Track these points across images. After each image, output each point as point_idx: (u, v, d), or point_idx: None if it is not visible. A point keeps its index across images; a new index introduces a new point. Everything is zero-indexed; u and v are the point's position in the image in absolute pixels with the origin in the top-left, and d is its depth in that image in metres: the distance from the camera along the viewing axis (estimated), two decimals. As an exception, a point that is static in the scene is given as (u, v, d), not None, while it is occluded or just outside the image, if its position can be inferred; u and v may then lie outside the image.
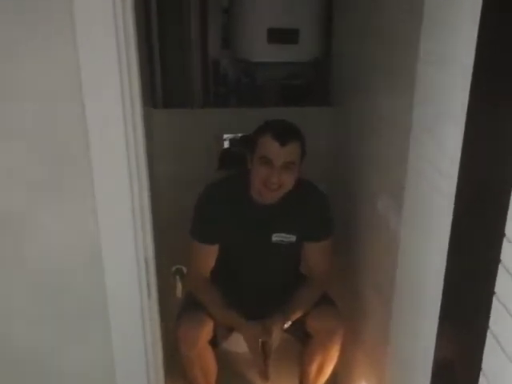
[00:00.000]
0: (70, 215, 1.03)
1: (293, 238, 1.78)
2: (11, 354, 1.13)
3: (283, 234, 1.78)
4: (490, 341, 0.70)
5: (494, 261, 0.67)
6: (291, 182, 1.66)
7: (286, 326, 1.71)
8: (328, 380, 1.90)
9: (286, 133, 1.63)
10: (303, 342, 1.85)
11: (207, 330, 1.72)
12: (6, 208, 1.01)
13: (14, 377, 1.15)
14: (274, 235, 1.78)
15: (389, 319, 1.35)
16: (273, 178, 1.62)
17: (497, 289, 0.69)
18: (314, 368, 1.84)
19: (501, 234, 0.66)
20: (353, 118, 2.01)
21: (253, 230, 1.76)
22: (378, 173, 1.64)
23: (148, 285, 1.14)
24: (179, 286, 2.22)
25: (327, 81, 2.37)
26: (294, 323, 1.75)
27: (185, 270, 2.14)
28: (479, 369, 0.72)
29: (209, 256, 1.80)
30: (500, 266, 0.67)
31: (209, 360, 1.79)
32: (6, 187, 1.00)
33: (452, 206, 0.84)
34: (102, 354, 1.14)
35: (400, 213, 1.23)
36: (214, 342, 1.81)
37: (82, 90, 0.94)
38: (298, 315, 1.73)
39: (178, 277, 2.21)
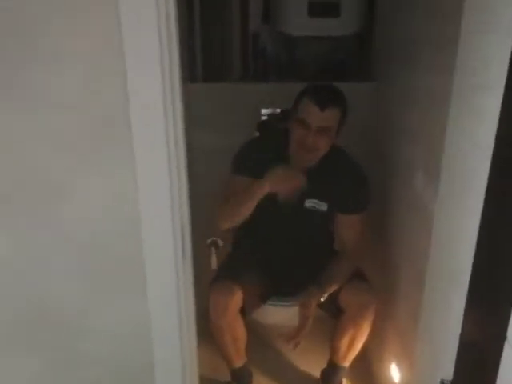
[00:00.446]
0: (111, 180, 1.07)
1: (324, 207, 1.79)
2: (49, 313, 1.19)
3: (316, 201, 1.79)
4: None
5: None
6: (326, 146, 1.68)
7: (322, 299, 1.72)
8: (358, 355, 1.92)
9: (326, 98, 1.65)
10: (335, 316, 1.86)
11: (237, 299, 1.75)
12: (52, 173, 1.06)
13: (51, 335, 1.21)
14: (307, 201, 1.79)
15: (421, 296, 1.34)
16: (308, 140, 1.65)
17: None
18: (344, 342, 1.86)
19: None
20: (393, 93, 1.98)
21: None
22: (416, 148, 1.61)
23: (183, 246, 1.17)
24: (214, 257, 2.26)
25: (368, 55, 2.33)
26: (327, 299, 1.76)
27: (220, 242, 2.18)
28: (504, 338, 0.71)
29: (241, 188, 1.76)
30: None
31: (238, 328, 1.83)
32: (50, 154, 1.05)
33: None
34: (137, 313, 1.19)
35: (436, 188, 1.21)
36: (243, 313, 1.84)
37: (125, 63, 0.97)
38: (333, 288, 1.74)
39: (213, 248, 2.25)
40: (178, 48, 1.05)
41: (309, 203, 1.79)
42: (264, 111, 2.38)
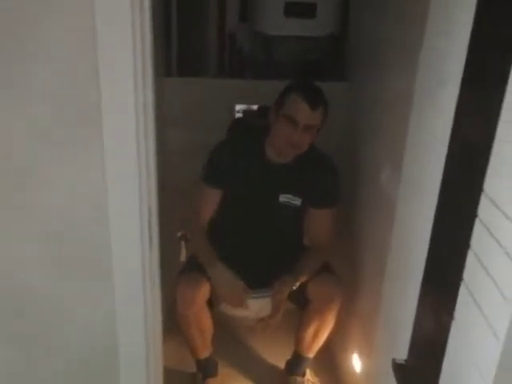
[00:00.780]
0: (79, 167, 1.07)
1: (298, 202, 1.82)
2: (20, 300, 1.18)
3: (290, 196, 1.82)
4: (462, 291, 0.75)
5: (471, 216, 0.71)
6: (308, 143, 1.72)
7: (294, 287, 1.76)
8: (323, 347, 1.96)
9: (316, 97, 1.67)
10: (302, 308, 1.89)
11: (204, 291, 1.77)
12: (19, 161, 1.06)
13: (22, 323, 1.21)
14: (282, 196, 1.82)
15: (381, 290, 1.39)
16: (294, 137, 1.67)
17: (472, 242, 0.73)
18: (310, 333, 1.89)
19: (479, 190, 0.69)
20: (365, 93, 2.03)
21: (261, 187, 1.80)
22: (383, 145, 1.67)
23: (150, 237, 1.19)
24: (183, 250, 2.27)
25: (342, 56, 2.38)
26: (297, 290, 1.79)
27: (190, 235, 2.19)
28: (451, 319, 0.76)
29: (210, 200, 1.84)
30: (476, 220, 0.71)
31: (205, 320, 1.84)
32: (20, 141, 1.05)
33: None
34: (104, 300, 1.19)
35: (399, 182, 1.27)
36: (211, 305, 1.86)
37: (98, 54, 0.98)
38: (303, 278, 1.78)
39: (183, 242, 2.26)
40: (151, 41, 1.07)
41: (283, 198, 1.82)
42: (238, 107, 2.41)
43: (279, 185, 1.81)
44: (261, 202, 1.82)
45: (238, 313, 1.90)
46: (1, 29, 0.96)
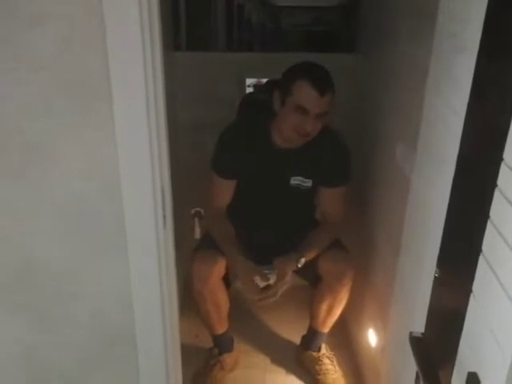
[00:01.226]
0: (90, 142, 1.07)
1: (309, 183, 1.81)
2: (34, 274, 1.20)
3: (300, 178, 1.80)
4: (481, 263, 0.73)
5: (490, 186, 0.69)
6: (318, 129, 1.67)
7: (299, 265, 1.75)
8: (337, 322, 1.97)
9: (324, 82, 1.60)
10: (314, 284, 1.90)
11: (219, 267, 1.78)
12: (32, 136, 1.06)
13: (36, 296, 1.22)
14: (293, 178, 1.80)
15: (396, 264, 1.38)
16: (307, 126, 1.62)
17: (491, 213, 0.71)
18: (323, 309, 1.90)
19: (499, 160, 0.67)
20: (377, 65, 1.99)
21: (272, 172, 1.78)
22: (397, 120, 1.63)
23: (164, 215, 1.19)
24: (197, 227, 2.28)
25: (353, 27, 2.33)
26: (306, 266, 1.79)
27: (203, 212, 2.19)
28: (470, 291, 0.75)
29: (226, 190, 1.83)
30: (496, 190, 0.69)
31: (221, 296, 1.86)
32: (30, 116, 1.04)
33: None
34: (119, 276, 1.20)
35: (414, 157, 1.24)
36: (227, 282, 1.88)
37: (105, 26, 0.96)
38: (310, 255, 1.77)
39: (196, 219, 2.27)
40: (159, 14, 1.05)
41: (294, 181, 1.80)
42: (249, 81, 2.38)
43: (289, 168, 1.79)
44: (272, 186, 1.81)
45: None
46: None
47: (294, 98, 1.60)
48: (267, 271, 1.82)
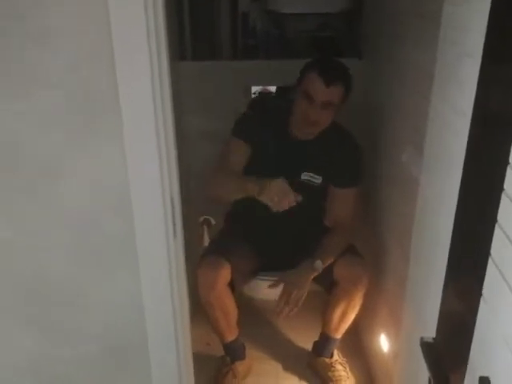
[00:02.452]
0: (101, 157, 1.08)
1: (319, 180, 1.82)
2: (46, 289, 1.21)
3: (312, 174, 1.81)
4: (490, 266, 0.74)
5: (497, 189, 0.70)
6: (328, 121, 1.72)
7: (319, 270, 1.76)
8: (350, 328, 1.97)
9: (333, 74, 1.67)
10: (329, 290, 1.90)
11: (225, 273, 1.78)
12: (42, 152, 1.07)
13: (48, 311, 1.23)
14: (304, 174, 1.82)
15: (407, 266, 1.38)
16: (311, 113, 1.68)
17: (499, 217, 0.71)
18: (337, 315, 1.89)
19: (505, 163, 0.67)
20: (381, 70, 1.99)
21: (284, 164, 1.79)
22: (404, 123, 1.64)
23: (174, 225, 1.19)
24: (206, 235, 2.29)
25: (357, 32, 2.33)
26: (322, 272, 1.79)
27: (212, 220, 2.20)
28: (480, 295, 0.75)
29: (239, 152, 1.80)
30: (503, 194, 0.69)
31: (228, 302, 1.86)
32: (41, 132, 1.06)
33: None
34: (130, 289, 1.20)
35: (422, 159, 1.24)
36: (233, 288, 1.87)
37: (113, 40, 0.97)
38: (328, 261, 1.78)
39: (205, 227, 2.28)
40: (165, 25, 1.06)
41: (305, 176, 1.82)
42: (254, 89, 2.39)
43: (301, 162, 1.81)
44: (283, 177, 1.80)
45: (260, 294, 1.91)
46: (10, 13, 0.95)
47: (303, 85, 1.69)
48: (275, 278, 1.82)
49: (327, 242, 1.82)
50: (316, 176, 1.81)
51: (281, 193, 1.60)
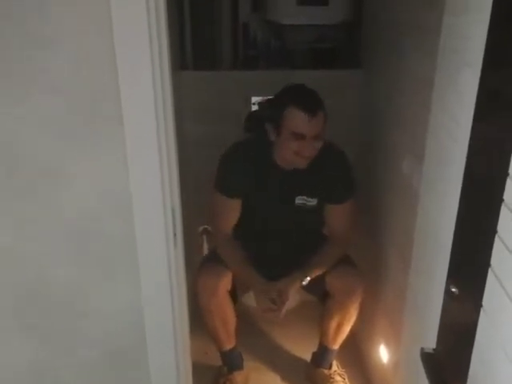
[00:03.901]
0: (102, 163, 1.08)
1: (314, 202, 1.81)
2: (47, 294, 1.20)
3: (305, 197, 1.80)
4: (490, 277, 0.73)
5: (497, 200, 0.70)
6: (320, 146, 1.67)
7: (304, 283, 1.76)
8: (349, 338, 1.96)
9: (311, 101, 1.61)
10: (323, 300, 1.89)
11: (226, 281, 1.78)
12: (44, 157, 1.08)
13: (48, 316, 1.23)
14: (297, 198, 1.80)
15: (407, 279, 1.37)
16: (305, 150, 1.64)
17: (499, 228, 0.71)
18: (332, 326, 1.89)
19: (505, 175, 0.68)
20: (381, 80, 2.00)
21: (276, 192, 1.79)
22: (403, 133, 1.64)
23: (175, 234, 1.19)
24: (205, 245, 2.29)
25: (357, 43, 2.35)
26: (314, 282, 1.79)
27: (211, 229, 2.20)
28: (480, 305, 0.75)
29: (231, 211, 1.82)
30: (502, 205, 0.69)
31: (228, 310, 1.85)
32: (43, 137, 1.06)
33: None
34: (129, 297, 1.20)
35: (422, 170, 1.24)
36: (234, 297, 1.87)
37: (115, 47, 0.98)
38: (316, 272, 1.77)
39: (204, 236, 2.28)
40: (167, 34, 1.07)
41: (299, 200, 1.81)
42: (254, 99, 2.40)
43: (293, 188, 1.79)
44: (277, 206, 1.82)
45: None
46: (10, 13, 0.95)
47: (288, 125, 1.62)
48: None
49: (318, 254, 1.81)
50: (310, 199, 1.80)
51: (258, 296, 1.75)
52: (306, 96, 1.63)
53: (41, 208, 1.11)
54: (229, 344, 1.96)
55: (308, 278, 1.75)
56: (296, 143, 1.63)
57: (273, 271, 1.82)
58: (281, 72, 2.33)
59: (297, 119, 1.60)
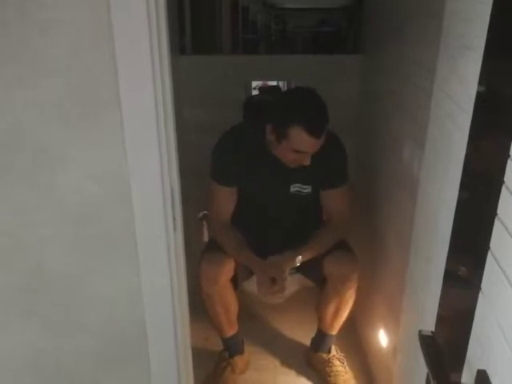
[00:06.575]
0: (101, 147, 1.08)
1: (309, 189, 1.81)
2: (47, 280, 1.21)
3: (299, 185, 1.81)
4: (489, 260, 0.74)
5: (498, 183, 0.70)
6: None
7: (298, 263, 1.77)
8: (346, 323, 1.97)
9: (319, 124, 1.59)
10: (320, 286, 1.90)
11: (228, 268, 1.79)
12: (43, 141, 1.07)
13: (48, 302, 1.23)
14: (292, 186, 1.81)
15: (406, 264, 1.38)
16: (304, 160, 1.65)
17: (499, 211, 0.72)
18: (329, 312, 1.90)
19: (505, 157, 0.67)
20: (381, 65, 1.99)
21: (270, 180, 1.79)
22: (404, 119, 1.63)
23: (174, 218, 1.19)
24: (205, 231, 2.29)
25: (357, 28, 2.33)
26: (311, 266, 1.80)
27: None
28: (479, 288, 0.75)
29: (227, 199, 1.83)
30: (503, 187, 0.69)
31: (230, 297, 1.87)
32: (42, 121, 1.05)
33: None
34: (129, 282, 1.20)
35: (422, 156, 1.24)
36: (235, 284, 1.88)
37: (113, 32, 0.97)
38: (310, 253, 1.77)
39: (204, 222, 2.28)
40: (166, 18, 1.06)
41: (293, 188, 1.81)
42: (254, 84, 2.39)
43: (287, 176, 1.79)
44: (273, 194, 1.83)
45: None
46: (11, 1, 0.95)
47: (291, 142, 1.61)
48: None
49: (313, 236, 1.81)
50: (305, 186, 1.81)
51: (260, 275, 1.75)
52: (314, 116, 1.59)
53: (39, 193, 1.11)
54: (230, 331, 1.98)
55: (300, 257, 1.76)
56: (295, 156, 1.65)
57: (272, 253, 1.82)
58: (281, 56, 2.31)
59: (301, 140, 1.59)
